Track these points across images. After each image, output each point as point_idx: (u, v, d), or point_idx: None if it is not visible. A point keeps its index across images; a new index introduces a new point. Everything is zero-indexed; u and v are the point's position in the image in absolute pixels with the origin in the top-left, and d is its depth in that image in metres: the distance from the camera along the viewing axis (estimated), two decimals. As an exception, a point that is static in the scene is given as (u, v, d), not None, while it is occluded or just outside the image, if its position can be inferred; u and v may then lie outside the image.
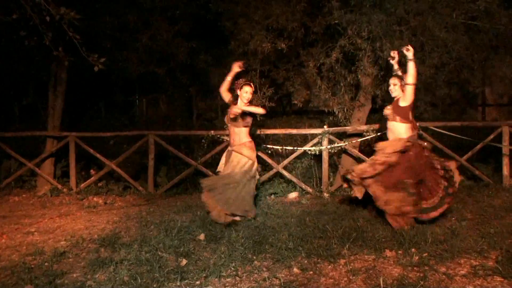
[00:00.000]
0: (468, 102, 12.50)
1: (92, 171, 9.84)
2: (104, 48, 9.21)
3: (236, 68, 6.51)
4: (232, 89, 6.59)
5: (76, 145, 9.58)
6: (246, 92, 6.44)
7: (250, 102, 6.60)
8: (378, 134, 8.66)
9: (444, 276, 4.10)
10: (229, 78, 6.53)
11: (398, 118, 5.96)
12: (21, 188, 9.86)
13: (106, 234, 5.93)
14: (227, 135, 8.90)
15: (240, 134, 6.50)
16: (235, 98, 6.58)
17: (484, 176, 8.65)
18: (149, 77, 11.71)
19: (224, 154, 6.69)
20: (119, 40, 10.13)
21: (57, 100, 9.88)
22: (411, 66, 5.87)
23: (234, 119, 6.42)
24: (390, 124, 6.08)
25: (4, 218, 7.26)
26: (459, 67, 8.56)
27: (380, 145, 6.12)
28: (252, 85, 6.62)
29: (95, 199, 8.70)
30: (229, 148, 6.61)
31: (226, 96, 6.59)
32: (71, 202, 8.56)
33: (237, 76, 6.66)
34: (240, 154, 6.42)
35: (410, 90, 5.89)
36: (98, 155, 9.62)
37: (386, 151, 5.92)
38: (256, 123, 9.45)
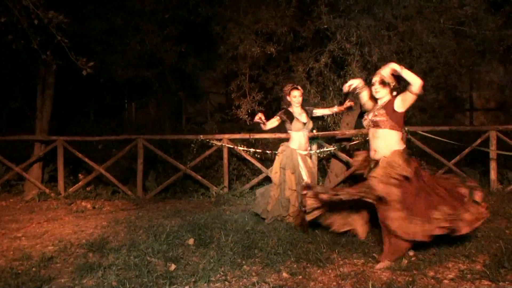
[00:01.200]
0: (456, 106, 12.59)
1: (80, 176, 9.80)
2: (93, 52, 9.18)
3: (258, 119, 6.66)
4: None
5: (65, 149, 9.52)
6: (295, 97, 6.60)
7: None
8: (367, 138, 8.69)
9: (432, 280, 4.12)
10: (262, 124, 6.71)
11: (390, 124, 4.83)
12: (8, 192, 9.80)
13: (95, 239, 5.89)
14: (217, 140, 8.91)
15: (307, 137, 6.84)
16: (287, 104, 6.76)
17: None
18: (138, 81, 11.68)
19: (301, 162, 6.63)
20: (107, 44, 10.10)
21: (45, 104, 9.82)
22: (407, 73, 4.82)
23: (308, 125, 6.70)
24: (379, 132, 4.89)
25: (-9, 223, 7.20)
26: (447, 72, 8.62)
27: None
28: (300, 88, 6.73)
29: (83, 203, 8.65)
30: (301, 153, 6.68)
31: (273, 122, 6.76)
32: (59, 207, 8.50)
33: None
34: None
35: (412, 97, 4.81)
36: (86, 159, 9.58)
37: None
38: (246, 127, 9.47)
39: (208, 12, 9.37)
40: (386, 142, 4.85)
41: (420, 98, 7.79)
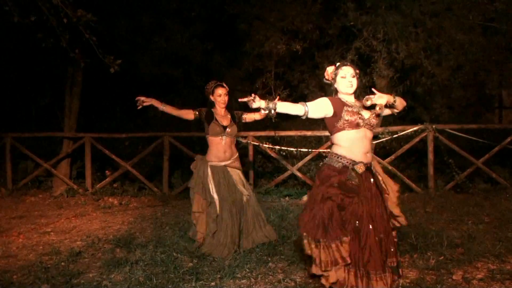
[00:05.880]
0: (485, 104, 12.35)
1: (107, 172, 9.91)
2: (120, 50, 9.26)
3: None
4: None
5: (92, 146, 9.65)
6: (219, 95, 5.47)
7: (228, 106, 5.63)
8: (394, 136, 8.61)
9: (461, 280, 4.06)
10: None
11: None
12: (37, 188, 9.95)
13: (122, 235, 5.96)
14: (242, 137, 8.90)
15: (233, 145, 5.58)
16: (210, 105, 5.56)
17: (501, 179, 8.55)
18: (164, 78, 11.75)
19: (211, 176, 5.38)
20: (134, 42, 10.20)
21: (73, 101, 9.97)
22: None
23: (231, 130, 5.45)
24: (364, 132, 3.91)
25: (21, 218, 7.34)
26: (476, 69, 8.50)
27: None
28: (225, 85, 5.54)
29: (110, 199, 8.76)
30: (215, 164, 5.44)
31: (187, 113, 5.60)
32: (86, 203, 8.62)
33: None
34: (237, 168, 5.54)
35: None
36: (113, 156, 9.68)
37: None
38: (271, 124, 9.46)
39: (233, 10, 9.39)
40: (368, 145, 4.00)
41: (448, 95, 7.60)
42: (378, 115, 3.87)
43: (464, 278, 4.10)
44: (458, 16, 7.74)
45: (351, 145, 3.85)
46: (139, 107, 5.19)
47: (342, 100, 3.91)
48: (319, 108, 3.88)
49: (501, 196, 7.71)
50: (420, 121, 8.72)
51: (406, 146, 8.69)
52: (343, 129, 3.83)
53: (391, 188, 4.01)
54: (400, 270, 3.85)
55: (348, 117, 3.81)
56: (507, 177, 8.78)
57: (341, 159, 3.86)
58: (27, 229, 6.60)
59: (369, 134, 3.92)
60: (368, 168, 3.89)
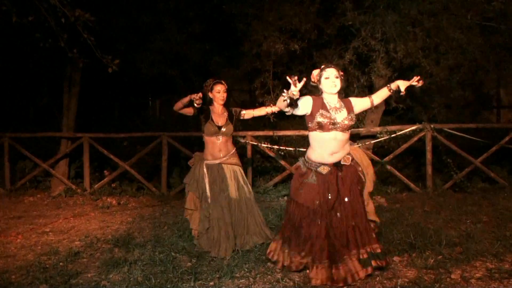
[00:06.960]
0: (483, 104, 12.37)
1: (105, 172, 9.90)
2: (118, 50, 9.26)
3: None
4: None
5: (90, 146, 9.64)
6: (218, 92, 5.47)
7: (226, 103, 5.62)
8: (392, 135, 8.61)
9: (460, 279, 4.06)
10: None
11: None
12: (35, 188, 9.95)
13: (120, 235, 5.96)
14: (241, 137, 8.90)
15: (228, 143, 5.55)
16: (209, 102, 5.55)
17: (500, 178, 8.56)
18: (162, 78, 11.75)
19: (206, 174, 5.38)
20: (132, 42, 10.19)
21: (71, 101, 9.96)
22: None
23: (226, 130, 5.43)
24: (334, 135, 4.22)
25: (19, 218, 7.34)
26: (474, 69, 8.49)
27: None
28: (224, 82, 5.53)
29: (108, 199, 8.75)
30: (210, 162, 5.43)
31: (189, 108, 5.40)
32: (85, 203, 8.62)
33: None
34: (233, 164, 5.51)
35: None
36: (111, 156, 9.68)
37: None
38: (269, 124, 9.46)
39: (232, 9, 9.36)
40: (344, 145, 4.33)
41: (446, 95, 7.60)
42: (351, 119, 4.25)
43: (463, 277, 4.11)
44: (456, 15, 7.74)
45: (320, 146, 4.26)
46: (196, 100, 5.13)
47: (323, 101, 4.28)
48: (302, 105, 4.24)
49: (499, 195, 7.72)
50: (418, 120, 8.73)
51: (405, 146, 8.70)
52: (315, 130, 4.21)
53: (369, 177, 4.37)
54: (386, 258, 4.29)
55: (320, 119, 4.15)
56: (505, 176, 8.80)
57: (307, 163, 4.37)
58: (25, 229, 6.60)
59: (341, 136, 4.22)
60: (336, 164, 4.25)
